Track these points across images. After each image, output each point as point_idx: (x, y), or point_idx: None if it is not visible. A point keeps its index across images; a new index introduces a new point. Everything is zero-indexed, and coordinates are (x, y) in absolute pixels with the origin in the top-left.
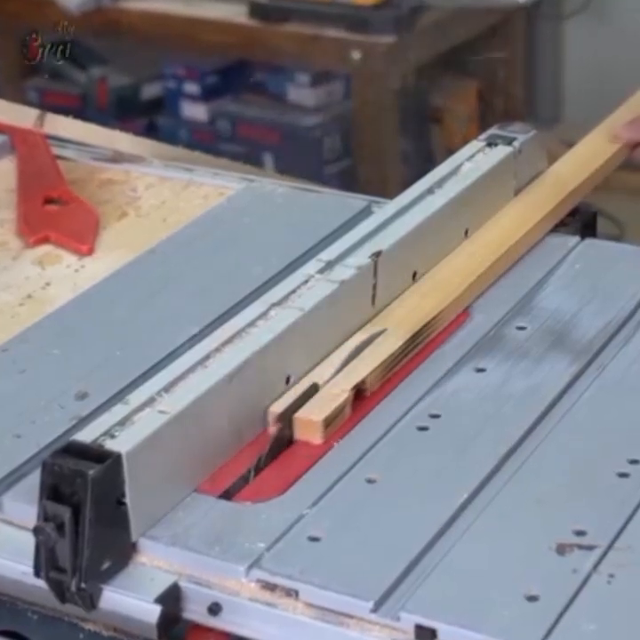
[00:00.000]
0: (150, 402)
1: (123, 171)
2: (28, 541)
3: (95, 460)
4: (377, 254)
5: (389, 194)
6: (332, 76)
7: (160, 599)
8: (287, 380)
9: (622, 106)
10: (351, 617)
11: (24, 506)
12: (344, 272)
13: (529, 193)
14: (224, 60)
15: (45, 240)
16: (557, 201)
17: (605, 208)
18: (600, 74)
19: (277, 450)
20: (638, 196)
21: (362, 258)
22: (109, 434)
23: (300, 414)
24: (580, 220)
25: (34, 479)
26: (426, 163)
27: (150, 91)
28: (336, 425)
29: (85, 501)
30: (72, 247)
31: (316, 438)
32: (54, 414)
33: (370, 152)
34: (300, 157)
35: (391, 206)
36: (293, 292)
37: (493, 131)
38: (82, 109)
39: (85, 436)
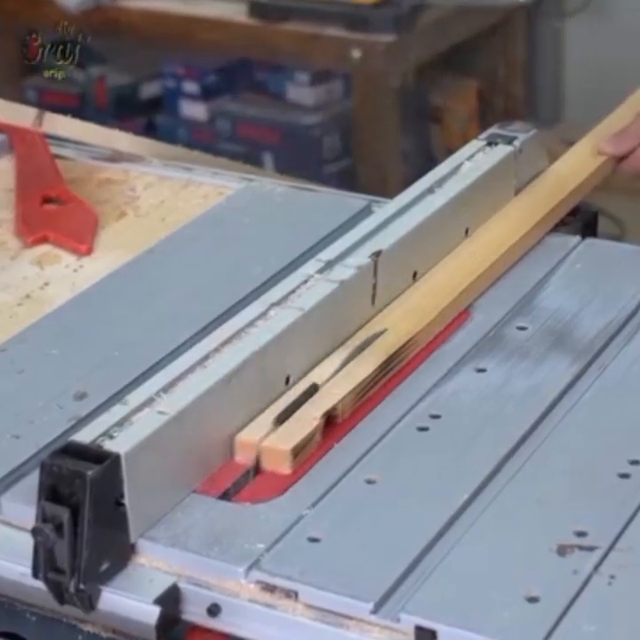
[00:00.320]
0: (149, 402)
1: (122, 170)
2: (27, 542)
3: (94, 460)
4: (377, 254)
5: (389, 193)
6: (332, 75)
7: (159, 600)
8: (287, 381)
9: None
10: (351, 618)
11: (22, 506)
12: (344, 272)
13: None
14: (223, 60)
15: (44, 240)
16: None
17: (606, 208)
18: (600, 73)
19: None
20: (639, 195)
21: (362, 257)
22: (108, 434)
23: (267, 443)
24: (581, 219)
25: (32, 480)
26: (426, 162)
27: (149, 90)
28: (305, 454)
29: (84, 502)
30: (71, 247)
31: (285, 468)
32: (53, 415)
33: (369, 151)
34: (300, 157)
35: (391, 206)
36: (293, 291)
37: (494, 130)
38: (81, 108)
39: (84, 436)
